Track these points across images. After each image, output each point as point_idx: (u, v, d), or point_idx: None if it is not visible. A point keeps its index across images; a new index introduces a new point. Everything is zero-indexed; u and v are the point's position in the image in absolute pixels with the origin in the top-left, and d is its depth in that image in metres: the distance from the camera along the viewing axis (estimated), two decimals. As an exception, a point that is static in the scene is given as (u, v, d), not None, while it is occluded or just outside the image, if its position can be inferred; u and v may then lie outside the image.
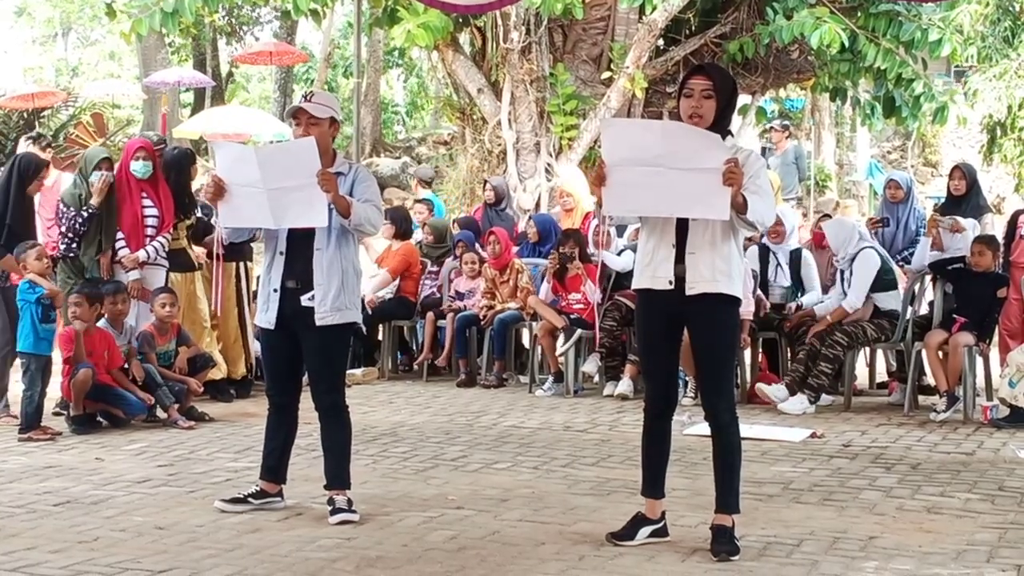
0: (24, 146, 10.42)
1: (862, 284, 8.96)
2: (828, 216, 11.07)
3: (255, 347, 9.80)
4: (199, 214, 9.40)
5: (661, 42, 13.94)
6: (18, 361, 8.23)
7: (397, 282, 11.02)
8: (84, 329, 7.91)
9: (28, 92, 19.29)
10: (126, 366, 8.26)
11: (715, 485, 5.18)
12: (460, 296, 10.72)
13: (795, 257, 9.81)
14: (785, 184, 15.00)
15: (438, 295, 11.04)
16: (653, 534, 5.23)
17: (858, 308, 8.96)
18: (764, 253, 9.81)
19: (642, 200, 4.96)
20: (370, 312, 10.55)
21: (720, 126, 4.98)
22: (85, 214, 8.63)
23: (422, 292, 11.11)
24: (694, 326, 5.09)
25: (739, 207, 4.82)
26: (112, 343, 8.13)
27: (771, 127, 17.39)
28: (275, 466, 5.87)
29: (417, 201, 13.11)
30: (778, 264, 9.77)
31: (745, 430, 7.95)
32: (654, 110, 14.06)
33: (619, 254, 9.94)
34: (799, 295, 9.77)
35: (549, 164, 13.85)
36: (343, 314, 5.63)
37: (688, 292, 4.98)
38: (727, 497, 5.13)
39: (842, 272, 9.22)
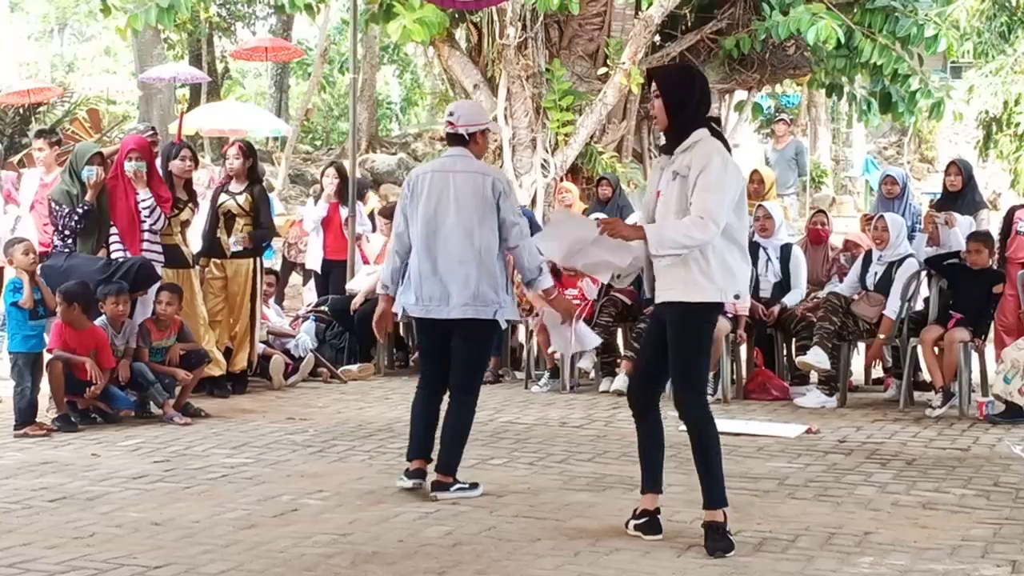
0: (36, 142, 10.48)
1: (904, 292, 8.97)
2: (823, 212, 11.06)
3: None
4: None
5: (657, 38, 13.94)
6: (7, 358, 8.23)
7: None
8: (68, 323, 7.89)
9: (24, 88, 19.28)
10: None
11: (699, 482, 5.19)
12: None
13: (785, 252, 9.79)
14: (784, 180, 15.02)
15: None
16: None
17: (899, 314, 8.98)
18: (754, 248, 9.81)
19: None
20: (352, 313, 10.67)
21: (678, 122, 5.17)
22: (80, 211, 8.62)
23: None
24: (667, 329, 5.22)
25: (643, 240, 5.06)
26: (103, 343, 8.09)
27: (779, 119, 17.44)
28: (427, 443, 6.19)
29: None
30: (768, 259, 9.77)
31: (741, 426, 8.03)
32: (650, 106, 14.04)
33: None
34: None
35: (545, 160, 13.85)
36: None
37: (657, 300, 5.26)
38: (712, 492, 5.15)
39: (868, 267, 9.21)
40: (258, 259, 9.77)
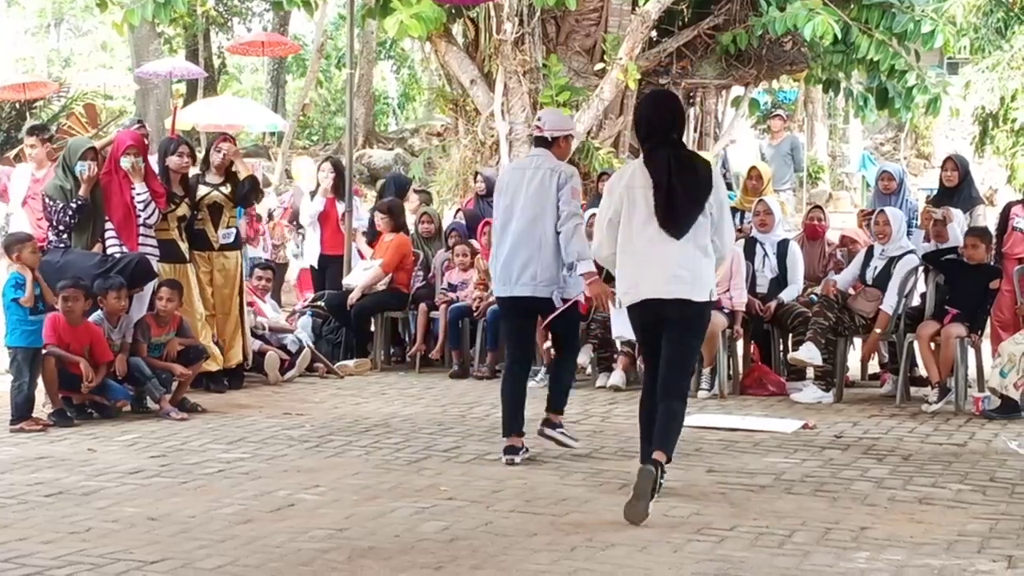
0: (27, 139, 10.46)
1: (902, 288, 8.98)
2: (820, 208, 11.06)
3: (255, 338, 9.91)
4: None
5: (654, 34, 13.92)
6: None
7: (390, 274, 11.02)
8: (66, 318, 7.89)
9: (20, 83, 19.23)
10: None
11: None
12: (453, 288, 10.71)
13: (782, 248, 9.79)
14: (779, 175, 15.00)
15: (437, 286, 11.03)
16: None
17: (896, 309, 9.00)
18: (751, 243, 9.81)
19: None
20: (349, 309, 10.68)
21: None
22: (73, 206, 8.61)
23: (415, 284, 11.11)
24: None
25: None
26: (98, 338, 8.08)
27: (775, 115, 17.44)
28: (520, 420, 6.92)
29: (416, 191, 13.11)
30: (765, 254, 9.77)
31: (737, 421, 8.06)
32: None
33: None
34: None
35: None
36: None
37: None
38: None
39: (869, 261, 9.22)
40: (242, 252, 9.76)
